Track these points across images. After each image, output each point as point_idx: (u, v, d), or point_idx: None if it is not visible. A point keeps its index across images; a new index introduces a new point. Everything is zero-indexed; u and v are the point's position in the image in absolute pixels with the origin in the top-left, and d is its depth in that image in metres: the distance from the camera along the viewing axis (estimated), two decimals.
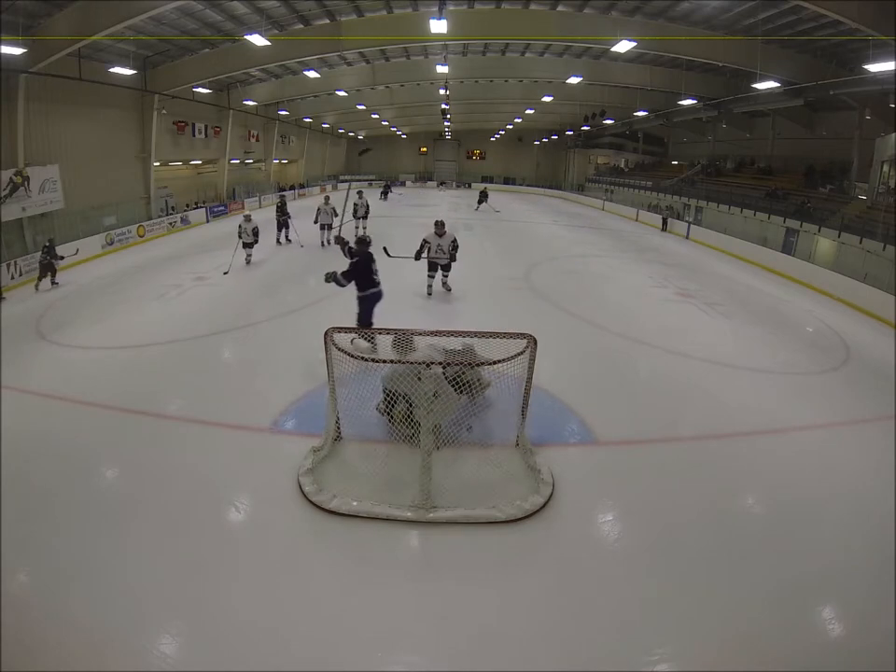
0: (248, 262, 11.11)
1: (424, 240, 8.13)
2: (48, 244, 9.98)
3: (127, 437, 4.41)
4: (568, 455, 4.28)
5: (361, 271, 5.58)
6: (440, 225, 8.24)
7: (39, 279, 9.77)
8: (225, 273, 10.09)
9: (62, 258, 10.13)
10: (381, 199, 24.57)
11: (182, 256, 12.58)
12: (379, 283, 5.89)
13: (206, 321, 7.41)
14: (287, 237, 13.61)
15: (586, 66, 17.96)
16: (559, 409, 4.95)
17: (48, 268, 9.83)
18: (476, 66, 19.79)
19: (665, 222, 20.17)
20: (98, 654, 2.50)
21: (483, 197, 23.19)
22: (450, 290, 8.76)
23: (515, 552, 3.23)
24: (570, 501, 3.64)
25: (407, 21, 13.58)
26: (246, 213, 11.72)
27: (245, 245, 11.09)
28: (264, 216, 19.33)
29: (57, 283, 9.95)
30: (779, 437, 4.71)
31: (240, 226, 11.01)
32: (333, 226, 12.46)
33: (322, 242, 13.03)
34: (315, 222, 12.88)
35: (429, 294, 8.51)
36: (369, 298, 5.73)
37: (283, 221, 13.45)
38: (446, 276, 8.73)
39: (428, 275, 8.57)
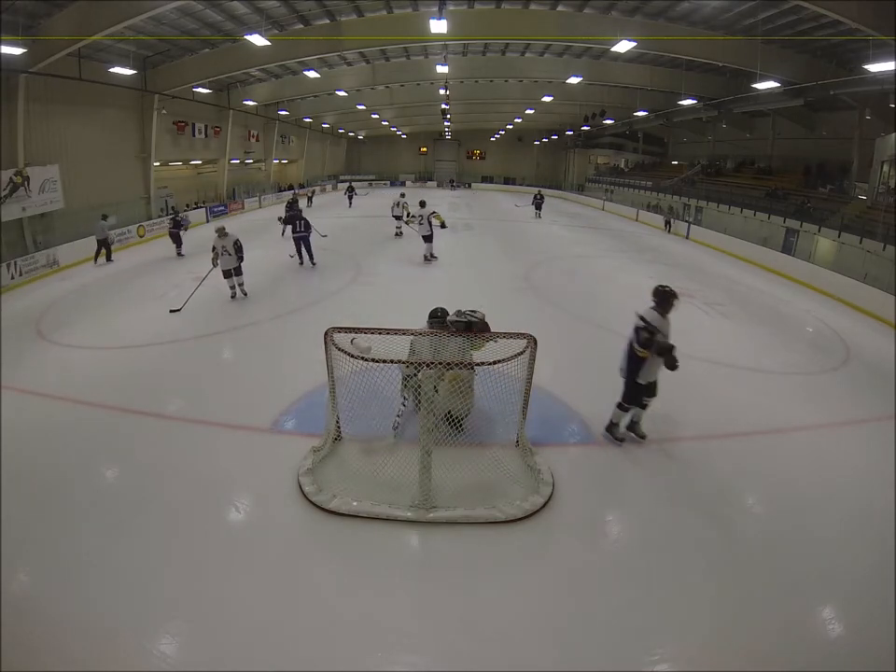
0: (236, 296, 8.37)
1: (647, 322, 4.02)
2: (174, 214, 11.84)
3: (127, 437, 4.41)
4: (568, 454, 4.28)
5: (290, 221, 10.57)
6: (665, 299, 4.10)
7: (178, 246, 12.18)
8: (174, 311, 7.48)
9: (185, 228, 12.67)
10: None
11: (182, 256, 12.57)
12: (300, 230, 10.58)
13: (206, 321, 7.41)
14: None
15: (586, 66, 17.96)
16: (559, 409, 4.95)
17: (176, 238, 12.23)
18: (476, 66, 19.79)
19: (668, 224, 19.33)
20: (98, 654, 2.50)
21: (540, 200, 20.96)
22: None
23: (515, 552, 3.23)
24: (570, 501, 3.64)
25: (407, 20, 13.58)
26: (219, 225, 8.44)
27: (228, 274, 8.18)
28: (262, 215, 19.41)
29: (183, 254, 12.27)
30: (779, 437, 4.70)
31: (213, 247, 8.01)
32: (401, 217, 14.08)
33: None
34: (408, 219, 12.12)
35: (620, 441, 4.36)
36: (294, 238, 10.68)
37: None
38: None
39: (623, 407, 4.33)
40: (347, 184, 26.63)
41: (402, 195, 15.34)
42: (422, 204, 11.75)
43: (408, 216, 12.30)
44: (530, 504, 3.52)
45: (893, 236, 10.95)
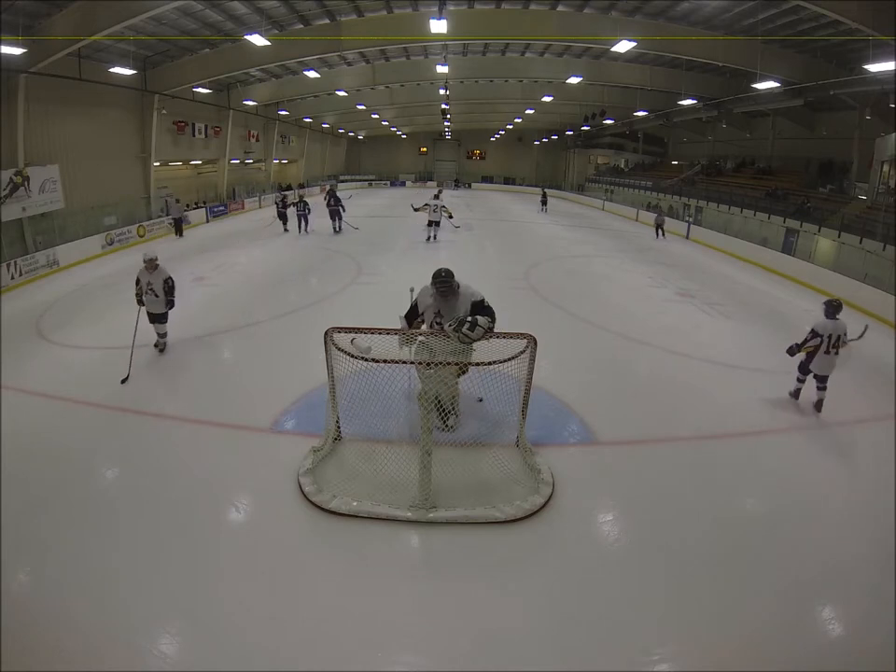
0: (161, 348, 6.30)
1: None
2: (282, 197, 16.33)
3: (127, 437, 4.41)
4: (568, 455, 4.28)
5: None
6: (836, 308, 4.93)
7: (284, 223, 15.52)
8: (123, 381, 5.43)
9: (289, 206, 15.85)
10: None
11: (182, 256, 12.57)
12: (301, 210, 15.02)
13: (206, 321, 7.41)
14: (339, 227, 15.41)
15: (586, 66, 17.96)
16: (559, 409, 4.95)
17: (283, 217, 15.53)
18: (476, 66, 19.78)
19: (659, 228, 16.91)
20: (98, 654, 2.50)
21: (545, 198, 24.56)
22: None
23: (515, 552, 3.23)
24: (570, 501, 3.64)
25: (407, 20, 13.58)
26: (148, 255, 6.11)
27: (154, 318, 6.16)
28: (263, 215, 19.39)
29: (288, 230, 15.48)
30: (779, 437, 4.70)
31: (138, 280, 6.08)
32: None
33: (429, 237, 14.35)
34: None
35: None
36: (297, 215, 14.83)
37: (335, 210, 15.21)
38: None
39: None
40: (328, 186, 23.31)
41: (440, 191, 17.64)
42: (436, 196, 14.51)
43: (419, 207, 14.34)
44: (530, 504, 3.52)
45: (893, 236, 10.96)
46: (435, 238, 14.06)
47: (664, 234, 17.02)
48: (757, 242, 14.63)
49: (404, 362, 3.63)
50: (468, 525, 3.38)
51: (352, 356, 3.57)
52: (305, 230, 15.08)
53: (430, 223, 14.09)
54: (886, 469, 4.13)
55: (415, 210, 14.38)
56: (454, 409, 4.31)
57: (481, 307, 3.99)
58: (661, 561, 3.17)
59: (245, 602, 2.80)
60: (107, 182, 14.60)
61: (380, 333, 3.69)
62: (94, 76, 12.97)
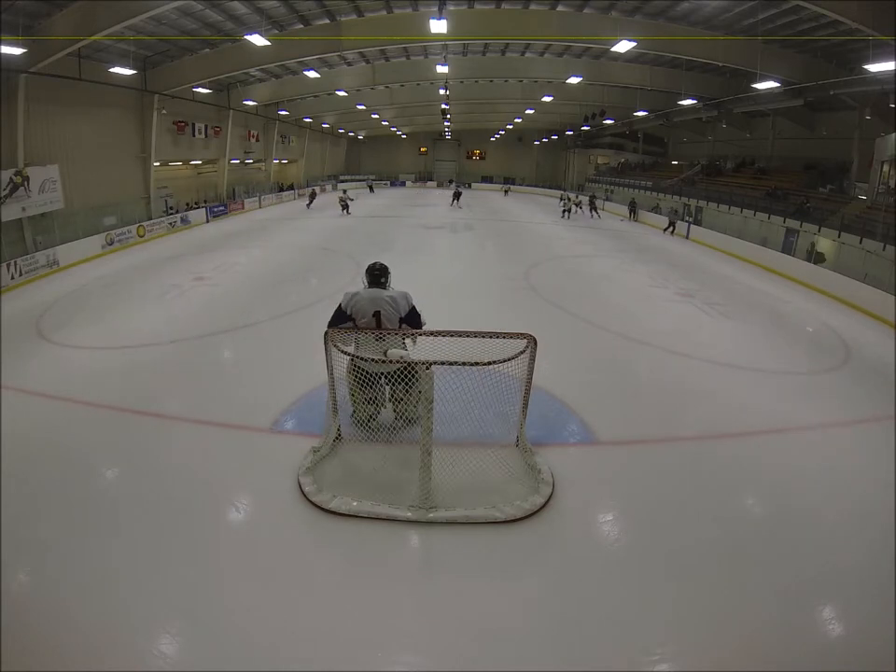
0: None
1: None
2: (344, 192, 21.42)
3: (126, 437, 4.41)
4: (568, 454, 4.28)
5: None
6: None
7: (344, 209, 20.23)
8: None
9: (352, 199, 20.84)
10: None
11: (182, 256, 12.59)
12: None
13: (206, 321, 7.41)
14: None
15: (586, 66, 17.98)
16: (559, 409, 4.94)
17: (345, 207, 20.00)
18: (476, 66, 19.81)
19: (671, 225, 18.46)
20: (98, 654, 2.50)
21: (508, 188, 32.62)
22: None
23: (515, 552, 3.23)
24: (570, 501, 3.64)
25: (407, 20, 13.59)
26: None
27: None
28: (262, 216, 19.40)
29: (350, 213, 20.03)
30: (779, 437, 4.70)
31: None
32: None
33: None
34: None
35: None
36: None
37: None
38: None
39: None
40: (311, 188, 25.74)
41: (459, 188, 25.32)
42: (454, 184, 20.19)
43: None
44: (530, 504, 3.52)
45: (893, 236, 10.95)
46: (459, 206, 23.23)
47: (674, 229, 18.57)
48: (757, 242, 14.63)
49: (404, 362, 3.62)
50: (468, 524, 3.38)
51: (351, 355, 3.57)
52: (347, 212, 20.29)
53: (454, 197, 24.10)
54: (886, 470, 4.13)
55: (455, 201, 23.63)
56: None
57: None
58: (661, 561, 3.17)
59: (244, 602, 2.79)
60: (107, 182, 14.61)
61: (379, 333, 3.69)
62: (94, 76, 12.98)
